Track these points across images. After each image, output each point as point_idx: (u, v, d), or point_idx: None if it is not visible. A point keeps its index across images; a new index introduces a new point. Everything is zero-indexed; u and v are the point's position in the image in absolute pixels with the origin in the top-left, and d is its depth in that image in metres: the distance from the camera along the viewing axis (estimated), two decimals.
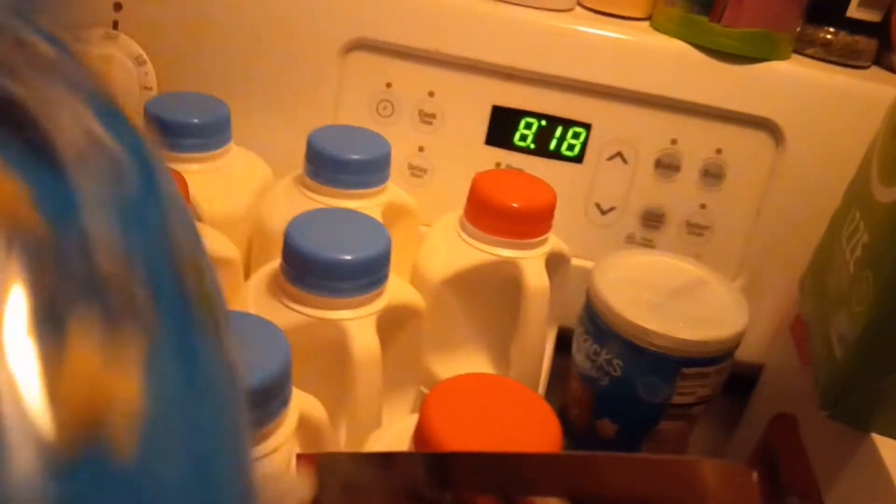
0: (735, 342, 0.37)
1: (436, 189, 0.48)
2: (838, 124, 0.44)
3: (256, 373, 0.24)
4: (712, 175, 0.46)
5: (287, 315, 0.31)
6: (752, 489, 0.15)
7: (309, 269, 0.31)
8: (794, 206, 0.45)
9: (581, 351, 0.40)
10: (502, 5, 0.45)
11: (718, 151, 0.45)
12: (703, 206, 0.46)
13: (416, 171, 0.48)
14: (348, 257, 0.31)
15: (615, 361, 0.38)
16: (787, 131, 0.44)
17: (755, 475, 0.16)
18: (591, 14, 0.47)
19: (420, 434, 0.23)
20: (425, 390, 0.40)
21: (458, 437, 0.22)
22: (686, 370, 0.37)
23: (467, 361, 0.42)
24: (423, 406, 0.24)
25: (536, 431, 0.23)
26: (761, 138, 0.45)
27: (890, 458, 0.30)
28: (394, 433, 0.27)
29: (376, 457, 0.21)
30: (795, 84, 0.44)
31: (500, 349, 0.43)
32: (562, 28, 0.44)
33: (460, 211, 0.41)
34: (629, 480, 0.16)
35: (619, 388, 0.38)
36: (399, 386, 0.38)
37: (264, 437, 0.25)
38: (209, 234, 0.37)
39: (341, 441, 0.33)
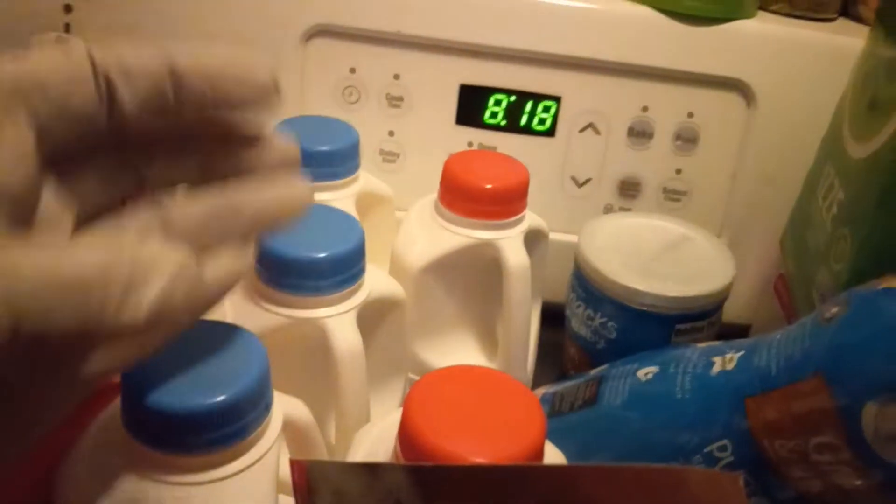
0: (724, 294, 0.38)
1: (410, 173, 0.48)
2: (808, 80, 0.43)
3: (234, 383, 0.23)
4: (686, 140, 0.45)
5: (265, 317, 0.31)
6: (739, 496, 0.15)
7: (283, 270, 0.30)
8: (769, 165, 0.45)
9: (575, 317, 0.40)
10: None
11: (690, 115, 0.45)
12: (678, 172, 0.46)
13: (388, 157, 0.48)
14: (322, 255, 0.30)
15: (610, 324, 0.38)
16: (758, 90, 0.44)
17: (741, 481, 0.15)
18: None
19: (403, 433, 0.23)
20: (415, 377, 0.40)
21: (441, 436, 0.22)
22: (680, 326, 0.37)
23: (455, 345, 0.41)
24: (405, 403, 0.24)
25: (522, 425, 0.23)
26: (732, 99, 0.44)
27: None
28: (380, 430, 0.27)
29: (362, 467, 0.21)
30: (762, 42, 0.44)
31: (488, 330, 0.42)
32: (525, 1, 0.44)
33: (435, 195, 0.40)
34: (614, 492, 0.16)
35: (616, 349, 0.38)
36: (387, 376, 0.37)
37: (248, 447, 0.24)
38: None
39: (331, 439, 0.33)
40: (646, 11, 0.44)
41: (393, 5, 0.44)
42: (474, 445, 0.22)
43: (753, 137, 0.44)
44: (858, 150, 0.34)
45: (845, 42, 0.43)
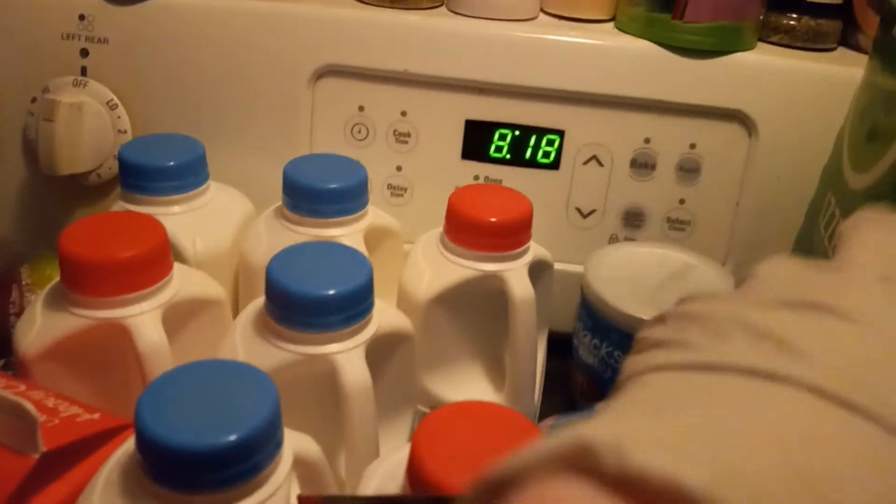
0: None
1: (417, 207, 0.49)
2: (809, 110, 0.44)
3: (246, 422, 0.24)
4: (688, 170, 0.46)
5: (275, 354, 0.32)
6: None
7: (293, 307, 0.31)
8: (772, 194, 0.45)
9: (582, 346, 0.41)
10: (466, 20, 0.46)
11: (692, 146, 0.46)
12: (682, 202, 0.46)
13: (396, 191, 0.48)
14: (332, 292, 0.31)
15: (616, 353, 0.39)
16: (759, 121, 0.44)
17: None
18: (555, 20, 0.47)
19: (412, 469, 0.24)
20: (425, 410, 0.40)
21: (447, 472, 0.22)
22: None
23: (463, 377, 0.42)
24: (413, 440, 0.24)
25: None
26: (734, 130, 0.45)
27: None
28: (390, 466, 0.27)
29: (371, 500, 0.21)
30: (763, 73, 0.44)
31: (495, 360, 0.43)
32: (527, 38, 0.45)
33: (440, 228, 0.41)
34: None
35: None
36: (397, 410, 0.38)
37: (260, 484, 0.25)
38: (195, 276, 0.37)
39: (341, 474, 0.34)
40: (646, 45, 0.44)
41: (399, 45, 0.45)
42: None
43: (755, 167, 0.45)
44: (858, 181, 0.35)
45: (845, 72, 0.44)
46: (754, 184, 0.45)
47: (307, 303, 0.31)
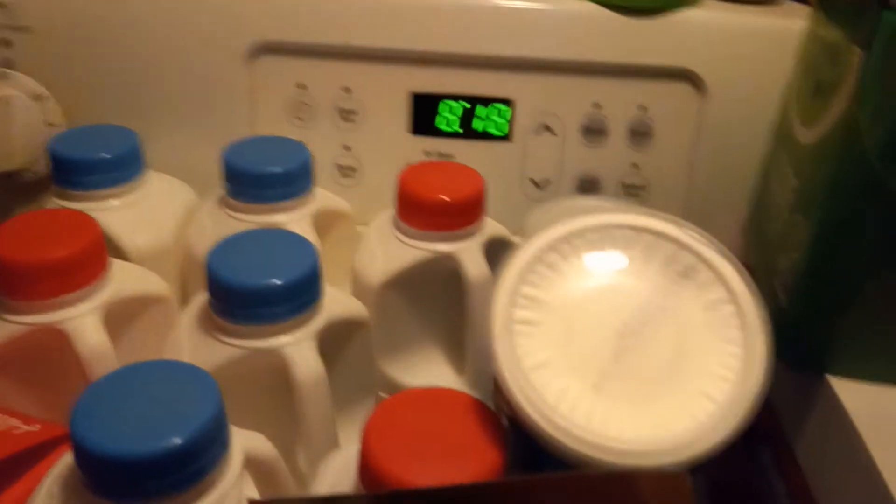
0: None
1: (368, 186, 0.47)
2: (757, 65, 0.43)
3: (188, 424, 0.23)
4: (640, 134, 0.45)
5: (221, 350, 0.30)
6: (688, 494, 0.15)
7: (235, 300, 0.30)
8: (725, 154, 0.45)
9: None
10: None
11: (643, 109, 0.45)
12: (635, 167, 0.46)
13: (345, 171, 0.47)
14: (275, 281, 0.30)
15: None
16: (708, 79, 0.44)
17: (689, 480, 0.15)
18: None
19: (362, 462, 0.23)
20: (385, 396, 0.39)
21: (399, 463, 0.22)
22: None
23: (423, 361, 0.41)
24: (364, 432, 0.23)
25: (482, 445, 0.23)
26: (683, 90, 0.44)
27: (847, 397, 0.30)
28: (345, 459, 0.27)
29: (322, 500, 0.20)
30: (708, 30, 0.44)
31: (455, 343, 0.42)
32: (471, 4, 0.43)
33: (393, 209, 0.40)
34: (567, 500, 0.16)
35: None
36: (357, 398, 0.37)
37: (207, 488, 0.24)
38: (136, 273, 0.36)
39: (301, 468, 0.33)
40: (591, 7, 0.43)
41: (338, 17, 0.43)
42: (433, 470, 0.22)
43: (707, 127, 0.44)
44: (807, 136, 0.34)
45: (791, 25, 0.43)
46: (707, 144, 0.45)
47: (249, 294, 0.29)
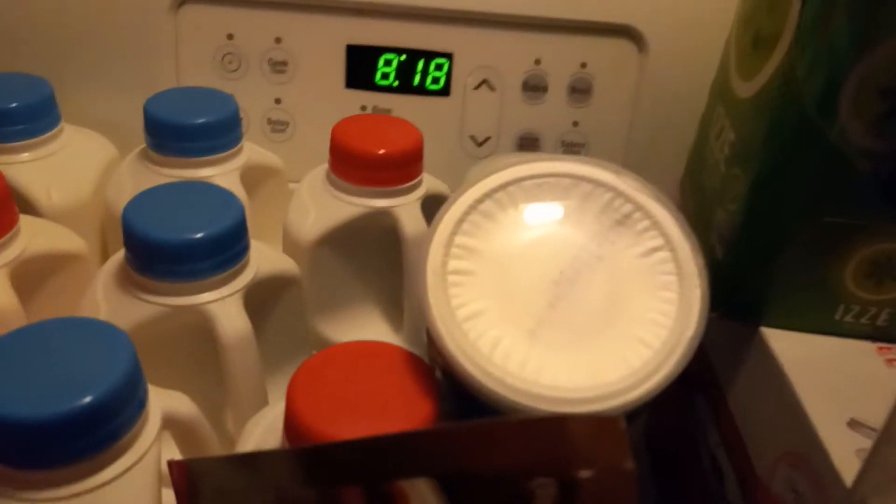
0: None
1: (301, 142, 0.45)
2: (697, 21, 0.43)
3: (98, 384, 0.21)
4: (580, 91, 0.44)
5: (141, 307, 0.29)
6: (621, 438, 0.15)
7: (155, 255, 0.28)
8: (665, 111, 0.44)
9: None
10: None
11: (583, 66, 0.44)
12: (575, 124, 0.45)
13: (277, 126, 0.45)
14: (198, 235, 0.28)
15: None
16: (648, 35, 0.43)
17: (623, 424, 0.15)
18: None
19: (288, 419, 0.22)
20: None
21: (324, 419, 0.21)
22: None
23: (359, 320, 0.40)
24: (289, 388, 0.22)
25: (413, 398, 0.22)
26: (624, 46, 0.44)
27: (779, 348, 0.31)
28: (272, 418, 0.25)
29: (242, 459, 0.19)
30: None
31: (393, 301, 0.41)
32: None
33: (327, 164, 0.38)
34: (496, 450, 0.15)
35: None
36: (290, 357, 0.36)
37: (123, 450, 0.22)
38: (49, 230, 0.33)
39: (229, 429, 0.31)
40: None
41: None
42: (361, 424, 0.21)
43: (647, 84, 0.44)
44: (745, 89, 0.34)
45: None
46: (646, 101, 0.44)
47: (168, 249, 0.28)
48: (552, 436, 0.15)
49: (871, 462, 0.20)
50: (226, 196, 0.30)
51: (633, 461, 0.14)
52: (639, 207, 0.24)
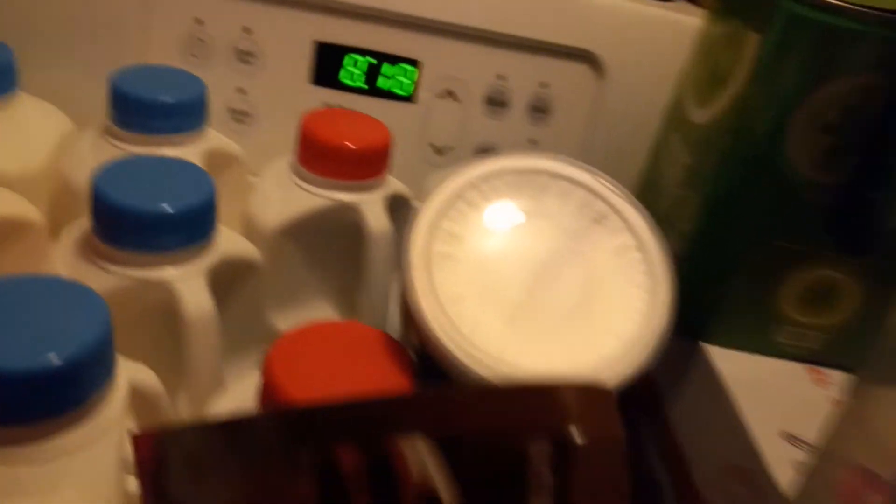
0: None
1: (261, 134, 0.45)
2: (653, 53, 0.45)
3: (72, 342, 0.21)
4: (539, 110, 0.46)
5: (104, 278, 0.28)
6: (611, 406, 0.16)
7: (123, 225, 0.27)
8: (619, 135, 0.46)
9: None
10: None
11: (544, 85, 0.46)
12: (533, 141, 0.47)
13: (238, 116, 0.45)
14: (168, 208, 0.28)
15: None
16: (607, 61, 0.45)
17: (613, 393, 0.16)
18: None
19: (266, 392, 0.22)
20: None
21: (305, 389, 0.21)
22: None
23: (312, 314, 0.40)
24: (266, 362, 0.22)
25: (389, 372, 0.22)
26: (583, 71, 0.46)
27: (722, 366, 0.32)
28: (237, 394, 0.25)
29: (223, 424, 0.19)
30: (610, 14, 0.45)
31: (346, 298, 0.41)
32: None
33: (290, 156, 0.39)
34: (491, 413, 0.16)
35: None
36: (240, 346, 0.35)
37: (91, 415, 0.22)
38: (1, 195, 0.32)
39: (181, 411, 0.31)
40: None
41: None
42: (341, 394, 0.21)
43: (603, 109, 0.46)
44: (701, 116, 0.36)
45: (684, 19, 0.45)
46: (602, 125, 0.46)
47: (139, 219, 0.27)
48: (545, 401, 0.16)
49: (810, 476, 0.21)
50: (198, 172, 0.30)
51: (623, 429, 0.15)
52: (614, 209, 0.25)
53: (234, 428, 0.20)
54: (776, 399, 0.30)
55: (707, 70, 0.37)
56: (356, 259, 0.38)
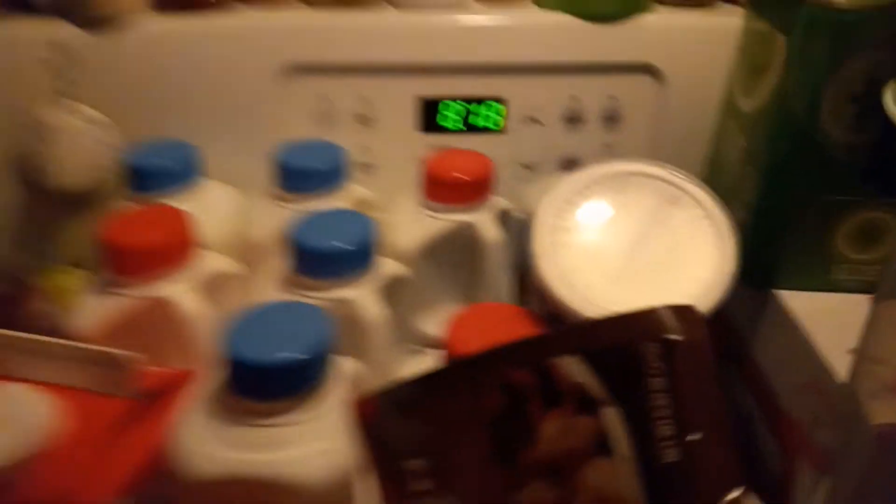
0: None
1: (383, 178, 0.55)
2: (704, 56, 0.53)
3: (312, 341, 0.30)
4: (611, 119, 0.54)
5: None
6: (699, 318, 0.23)
7: (319, 261, 0.37)
8: (682, 129, 0.54)
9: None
10: (409, 13, 0.52)
11: (612, 98, 0.54)
12: (608, 146, 0.55)
13: (363, 168, 0.55)
14: (348, 245, 0.37)
15: None
16: (665, 70, 0.53)
17: (698, 310, 0.23)
18: (482, 4, 0.54)
19: (450, 350, 0.30)
20: (416, 348, 0.47)
21: (477, 343, 0.29)
22: None
23: (441, 314, 0.48)
24: (448, 331, 0.31)
25: (528, 324, 0.31)
26: (645, 80, 0.53)
27: (791, 303, 0.39)
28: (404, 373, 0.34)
29: (422, 375, 0.27)
30: (663, 30, 0.53)
31: (471, 295, 0.50)
32: (464, 21, 0.52)
33: (413, 191, 0.48)
34: (614, 331, 0.24)
35: None
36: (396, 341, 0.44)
37: (325, 390, 0.31)
38: (214, 258, 0.43)
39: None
40: (565, 18, 0.52)
41: (353, 39, 0.51)
42: None
43: (666, 109, 0.53)
44: (749, 105, 0.43)
45: (728, 22, 0.52)
46: (666, 123, 0.54)
47: (330, 256, 0.37)
48: (650, 317, 0.23)
49: (856, 373, 0.28)
50: (362, 218, 0.40)
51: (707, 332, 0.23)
52: (683, 190, 0.33)
53: (430, 376, 0.28)
54: (841, 324, 0.36)
55: (748, 64, 0.44)
56: (478, 264, 0.46)
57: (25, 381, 0.29)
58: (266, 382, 0.30)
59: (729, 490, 0.21)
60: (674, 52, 0.53)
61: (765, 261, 0.41)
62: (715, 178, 0.49)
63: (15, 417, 0.28)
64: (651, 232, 0.32)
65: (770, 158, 0.41)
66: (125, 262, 0.38)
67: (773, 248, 0.41)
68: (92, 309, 0.38)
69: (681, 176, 0.34)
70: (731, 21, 0.51)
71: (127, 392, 0.31)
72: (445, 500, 0.26)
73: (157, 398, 0.32)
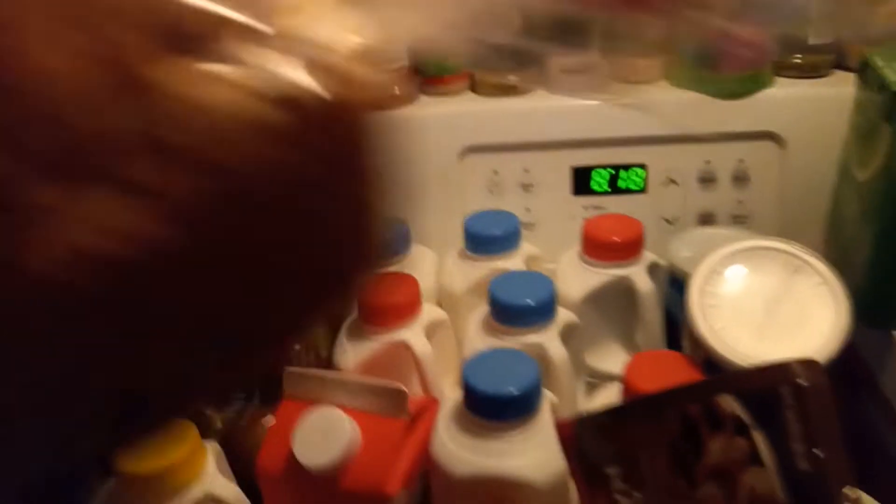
0: None
1: (543, 235, 0.66)
2: (821, 123, 0.61)
3: (525, 380, 0.42)
4: (740, 180, 0.63)
5: (500, 345, 0.49)
6: (820, 369, 0.33)
7: (515, 313, 0.49)
8: (803, 190, 0.62)
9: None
10: (559, 99, 0.64)
11: (741, 161, 0.63)
12: (739, 202, 0.64)
13: (527, 227, 0.66)
14: (539, 302, 0.49)
15: None
16: (786, 136, 0.62)
17: (820, 362, 0.33)
18: (626, 85, 0.65)
19: (629, 390, 0.41)
20: (588, 379, 0.57)
21: (654, 384, 0.40)
22: None
23: (609, 354, 0.59)
24: (626, 374, 0.42)
25: (692, 370, 0.41)
26: (769, 146, 0.62)
27: None
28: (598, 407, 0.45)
29: (610, 408, 0.38)
30: (784, 101, 0.62)
31: (630, 343, 0.60)
32: (609, 104, 0.63)
33: (574, 249, 0.59)
34: (757, 378, 0.34)
35: None
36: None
37: (536, 417, 0.42)
38: (430, 309, 0.55)
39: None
40: (697, 95, 0.62)
41: (519, 123, 0.63)
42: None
43: (788, 170, 0.62)
44: (861, 174, 0.52)
45: (843, 92, 0.60)
46: (789, 183, 0.62)
47: (524, 309, 0.49)
48: (784, 368, 0.33)
49: None
50: (543, 278, 0.51)
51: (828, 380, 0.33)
52: (805, 262, 0.43)
53: (622, 407, 0.39)
54: None
55: (861, 133, 0.53)
56: (634, 310, 0.57)
57: (333, 405, 0.42)
58: (502, 409, 0.41)
59: (844, 488, 0.31)
60: (794, 120, 0.61)
61: (884, 303, 0.50)
62: (836, 233, 0.57)
63: (332, 431, 0.41)
64: (781, 296, 0.41)
65: (882, 218, 0.49)
66: (376, 316, 0.51)
67: (889, 296, 0.49)
68: (354, 351, 0.51)
69: (802, 249, 0.44)
70: (844, 91, 0.60)
71: (402, 414, 0.43)
72: (638, 499, 0.36)
73: (417, 418, 0.44)
